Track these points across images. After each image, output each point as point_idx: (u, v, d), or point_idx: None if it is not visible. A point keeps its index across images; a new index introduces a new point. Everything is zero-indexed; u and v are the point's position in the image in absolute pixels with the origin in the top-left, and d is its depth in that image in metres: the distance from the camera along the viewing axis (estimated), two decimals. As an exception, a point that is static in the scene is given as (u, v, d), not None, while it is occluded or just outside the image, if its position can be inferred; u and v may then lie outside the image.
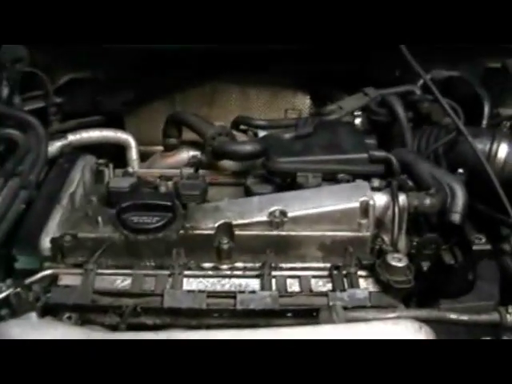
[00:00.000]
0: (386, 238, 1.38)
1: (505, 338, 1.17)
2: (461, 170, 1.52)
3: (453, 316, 1.18)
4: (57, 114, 1.89)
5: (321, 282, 1.30)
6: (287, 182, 1.51)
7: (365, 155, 1.54)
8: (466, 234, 1.38)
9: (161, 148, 1.91)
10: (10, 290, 1.20)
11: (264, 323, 1.22)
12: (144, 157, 1.91)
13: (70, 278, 1.30)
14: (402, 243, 1.39)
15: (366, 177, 1.49)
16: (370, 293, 1.26)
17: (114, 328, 1.23)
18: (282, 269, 1.33)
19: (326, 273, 1.32)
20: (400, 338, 1.05)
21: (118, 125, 1.96)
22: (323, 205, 1.37)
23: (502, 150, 1.60)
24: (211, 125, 1.74)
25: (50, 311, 1.23)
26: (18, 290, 1.21)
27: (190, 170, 1.59)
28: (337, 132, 1.65)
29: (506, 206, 1.48)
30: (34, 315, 1.16)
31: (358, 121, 1.82)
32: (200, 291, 1.26)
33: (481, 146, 1.59)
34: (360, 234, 1.36)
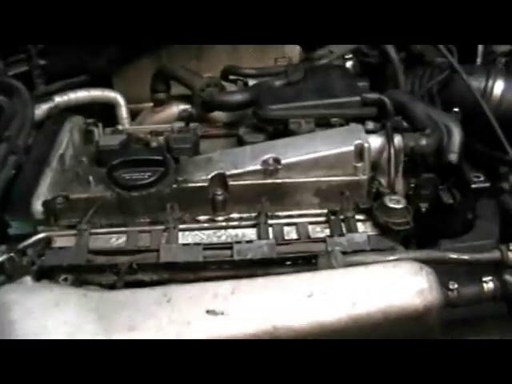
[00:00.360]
0: (383, 181, 1.36)
1: (506, 275, 1.15)
2: (456, 109, 1.49)
3: (453, 256, 1.17)
4: (41, 77, 1.85)
5: (318, 228, 1.28)
6: (280, 130, 1.48)
7: (357, 98, 1.50)
8: (464, 173, 1.37)
9: (150, 105, 1.87)
10: (4, 256, 1.19)
11: (262, 272, 1.20)
12: (134, 115, 1.87)
13: (63, 240, 1.28)
14: (400, 185, 1.37)
15: (360, 120, 1.46)
16: (369, 236, 1.24)
17: (111, 287, 1.21)
18: (278, 217, 1.31)
19: (323, 219, 1.30)
20: (401, 281, 1.05)
21: (106, 84, 1.92)
22: (317, 150, 1.34)
23: (498, 87, 1.58)
24: (200, 77, 1.70)
25: (46, 274, 1.21)
26: (12, 254, 1.19)
27: (181, 124, 1.57)
28: (328, 76, 1.61)
29: (503, 144, 1.46)
30: (29, 279, 1.14)
31: (349, 64, 1.78)
32: (196, 244, 1.24)
33: (476, 83, 1.57)
34: (356, 178, 1.33)
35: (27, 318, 1.01)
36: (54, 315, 1.02)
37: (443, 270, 1.14)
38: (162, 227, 1.28)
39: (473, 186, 1.31)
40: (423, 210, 1.34)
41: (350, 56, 1.78)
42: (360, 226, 1.28)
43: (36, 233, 1.29)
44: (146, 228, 1.29)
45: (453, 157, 1.37)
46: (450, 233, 1.32)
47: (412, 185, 1.37)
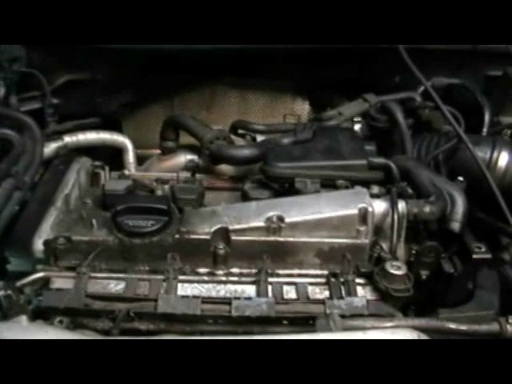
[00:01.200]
0: (385, 246, 1.37)
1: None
2: (461, 178, 1.50)
3: (452, 326, 1.16)
4: (53, 116, 1.86)
5: (318, 290, 1.28)
6: (285, 188, 1.49)
7: (364, 162, 1.52)
8: (465, 243, 1.36)
9: (158, 151, 1.88)
10: (1, 293, 1.18)
11: (259, 330, 1.20)
12: (141, 160, 1.89)
13: (62, 282, 1.28)
14: (401, 251, 1.37)
15: (365, 183, 1.48)
16: (368, 301, 1.24)
17: (106, 333, 1.21)
18: (278, 275, 1.31)
19: (323, 280, 1.30)
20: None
21: (115, 127, 1.95)
22: (321, 211, 1.35)
23: (503, 159, 1.59)
24: (209, 128, 1.72)
25: (42, 315, 1.21)
26: (9, 292, 1.18)
27: (187, 174, 1.59)
28: (336, 138, 1.62)
29: (506, 215, 1.47)
30: (24, 318, 1.13)
31: (357, 127, 1.80)
32: (195, 297, 1.24)
33: (481, 154, 1.58)
34: (358, 241, 1.34)
35: (20, 358, 1.00)
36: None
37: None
38: (161, 277, 1.27)
39: (474, 256, 1.31)
40: (424, 277, 1.33)
41: (359, 119, 1.80)
42: (360, 290, 1.28)
43: (35, 271, 1.29)
44: (146, 276, 1.29)
45: (455, 226, 1.38)
46: (449, 301, 1.31)
47: (413, 251, 1.36)
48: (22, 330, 1.09)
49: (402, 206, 1.36)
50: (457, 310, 1.28)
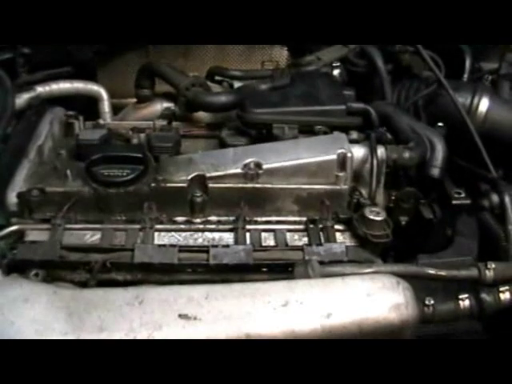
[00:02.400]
0: (364, 192, 1.36)
1: (482, 294, 1.15)
2: (441, 124, 1.50)
3: (431, 271, 1.16)
4: (25, 65, 1.81)
5: (296, 236, 1.27)
6: (263, 134, 1.47)
7: (343, 107, 1.49)
8: (445, 189, 1.36)
9: (134, 100, 1.85)
10: (-25, 248, 1.16)
11: (238, 278, 1.19)
12: (117, 110, 1.85)
13: (37, 234, 1.25)
14: (380, 197, 1.36)
15: (344, 129, 1.46)
16: (347, 247, 1.23)
17: (83, 284, 1.19)
18: (256, 222, 1.29)
19: (301, 227, 1.29)
20: (379, 296, 1.04)
21: (90, 77, 1.89)
22: (299, 157, 1.33)
23: (483, 104, 1.58)
24: (185, 75, 1.68)
25: (17, 268, 1.19)
26: (-17, 246, 1.17)
27: (163, 122, 1.55)
28: (314, 83, 1.60)
29: (486, 161, 1.46)
30: (-1, 273, 1.12)
31: (336, 72, 1.77)
32: (171, 245, 1.22)
33: (461, 99, 1.58)
34: (337, 187, 1.32)
35: (-5, 312, 0.99)
36: (22, 312, 1.00)
37: (420, 285, 1.13)
38: (138, 226, 1.25)
39: (454, 202, 1.30)
40: (403, 223, 1.33)
41: (338, 64, 1.77)
42: (338, 237, 1.26)
43: (9, 225, 1.26)
44: (122, 226, 1.27)
45: (435, 171, 1.37)
46: (428, 248, 1.30)
47: (393, 197, 1.36)
48: (-3, 284, 1.07)
49: (381, 151, 1.35)
50: (436, 256, 1.27)
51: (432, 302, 1.12)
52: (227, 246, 1.22)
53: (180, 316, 1.00)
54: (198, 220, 1.30)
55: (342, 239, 1.27)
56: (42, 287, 1.08)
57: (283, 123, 1.44)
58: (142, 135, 1.50)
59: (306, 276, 1.10)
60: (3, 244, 1.22)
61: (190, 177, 1.30)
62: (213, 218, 1.31)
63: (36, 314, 1.00)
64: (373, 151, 1.34)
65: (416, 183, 1.39)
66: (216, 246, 1.22)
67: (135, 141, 1.49)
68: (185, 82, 1.63)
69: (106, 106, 1.78)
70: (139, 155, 1.32)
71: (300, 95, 1.54)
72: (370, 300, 1.04)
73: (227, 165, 1.32)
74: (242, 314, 1.01)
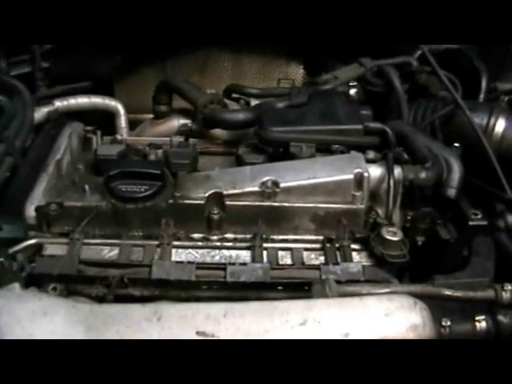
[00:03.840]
0: (380, 211, 1.35)
1: (499, 316, 1.14)
2: (457, 144, 1.49)
3: (448, 292, 1.16)
4: (44, 79, 1.83)
5: (313, 255, 1.28)
6: (280, 152, 1.47)
7: (360, 126, 1.50)
8: (461, 209, 1.35)
9: (151, 116, 1.86)
10: (-6, 260, 1.17)
11: (254, 296, 1.19)
12: (133, 125, 1.88)
13: (55, 248, 1.26)
14: (397, 217, 1.36)
15: (361, 148, 1.46)
16: (364, 267, 1.24)
17: (100, 299, 1.19)
18: (273, 240, 1.30)
19: (318, 245, 1.29)
20: (395, 315, 1.04)
21: (107, 91, 1.91)
22: (317, 176, 1.33)
23: (500, 125, 1.58)
24: (203, 92, 1.70)
25: (35, 282, 1.19)
26: (2, 259, 1.17)
27: (181, 139, 1.56)
28: (331, 102, 1.60)
29: (501, 182, 1.46)
30: (17, 286, 1.12)
31: (353, 91, 1.77)
32: (189, 262, 1.23)
33: (478, 120, 1.58)
34: (354, 207, 1.33)
35: (14, 325, 0.99)
36: (41, 324, 1.00)
37: (436, 305, 1.13)
38: (155, 242, 1.26)
39: (471, 223, 1.30)
40: (419, 243, 1.33)
41: (355, 83, 1.78)
42: (355, 256, 1.27)
43: (27, 238, 1.27)
44: (140, 242, 1.28)
45: (451, 192, 1.37)
46: (444, 268, 1.30)
47: (409, 217, 1.35)
48: (16, 297, 1.08)
49: (398, 171, 1.35)
50: (452, 277, 1.27)
51: (449, 323, 1.12)
52: (244, 264, 1.23)
53: (198, 333, 1.00)
54: (215, 237, 1.31)
55: (359, 259, 1.27)
56: (60, 301, 1.09)
57: (300, 142, 1.44)
58: (159, 151, 1.51)
59: (324, 295, 1.11)
60: (22, 257, 1.23)
61: (207, 194, 1.30)
62: (230, 236, 1.31)
63: (55, 327, 1.00)
64: (390, 171, 1.34)
65: (431, 203, 1.38)
66: (233, 264, 1.23)
67: (152, 157, 1.50)
68: (203, 99, 1.65)
69: (123, 121, 1.80)
70: (157, 171, 1.33)
71: (317, 114, 1.54)
72: (387, 320, 1.04)
73: (244, 182, 1.33)
74: (260, 332, 1.01)
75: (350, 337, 1.01)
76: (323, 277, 1.20)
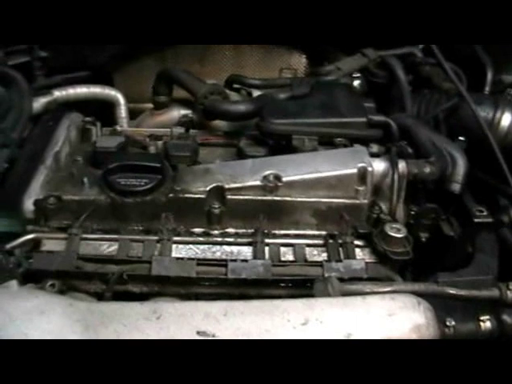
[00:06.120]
0: (384, 207, 1.33)
1: (504, 315, 1.13)
2: (461, 138, 1.47)
3: (452, 291, 1.14)
4: (42, 69, 1.80)
5: (315, 251, 1.26)
6: (282, 145, 1.45)
7: (363, 119, 1.47)
8: (466, 205, 1.34)
9: (150, 105, 1.83)
10: (-9, 256, 1.15)
11: (255, 293, 1.18)
12: (133, 114, 1.84)
13: (53, 243, 1.24)
14: (400, 212, 1.34)
15: (364, 141, 1.44)
16: (367, 264, 1.22)
17: (99, 296, 1.18)
18: (275, 236, 1.28)
19: (320, 241, 1.27)
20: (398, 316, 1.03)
21: (107, 81, 1.88)
22: (319, 170, 1.31)
23: (506, 119, 1.55)
24: (203, 83, 1.67)
25: (32, 278, 1.18)
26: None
27: (181, 130, 1.53)
28: (334, 94, 1.58)
29: (506, 176, 1.44)
30: (15, 283, 1.09)
31: (356, 83, 1.75)
32: (190, 259, 1.21)
33: (483, 113, 1.55)
34: (357, 201, 1.30)
35: (9, 324, 0.97)
36: (38, 324, 0.98)
37: (439, 303, 1.12)
38: (155, 238, 1.24)
39: (476, 220, 1.28)
40: (423, 240, 1.31)
41: (358, 75, 1.75)
42: (358, 253, 1.25)
43: (25, 233, 1.25)
44: (139, 237, 1.25)
45: (456, 187, 1.35)
46: (448, 264, 1.29)
47: (413, 213, 1.33)
48: (13, 295, 1.05)
49: (402, 166, 1.32)
50: (456, 274, 1.25)
51: (453, 322, 1.11)
52: (246, 260, 1.21)
53: (198, 333, 0.98)
54: (216, 232, 1.29)
55: (362, 255, 1.25)
56: (57, 299, 1.06)
57: (303, 134, 1.42)
58: (159, 143, 1.49)
59: (326, 294, 1.09)
60: (19, 253, 1.20)
61: (208, 188, 1.29)
62: (231, 230, 1.29)
63: (51, 326, 0.98)
64: (394, 166, 1.31)
65: (435, 198, 1.36)
66: (234, 261, 1.21)
67: (152, 148, 1.48)
68: (203, 90, 1.61)
69: (122, 111, 1.78)
70: (157, 165, 1.31)
71: (319, 106, 1.52)
72: (390, 320, 1.02)
73: (246, 176, 1.31)
74: (260, 331, 0.99)
75: (353, 337, 0.99)
76: (326, 274, 1.18)
